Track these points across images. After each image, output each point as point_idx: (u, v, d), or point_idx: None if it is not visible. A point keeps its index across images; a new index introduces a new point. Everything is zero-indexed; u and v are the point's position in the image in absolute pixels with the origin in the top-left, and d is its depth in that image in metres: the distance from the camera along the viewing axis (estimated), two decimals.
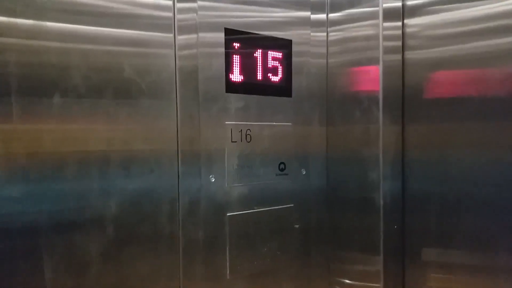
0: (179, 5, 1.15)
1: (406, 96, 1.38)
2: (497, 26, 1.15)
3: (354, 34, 1.41)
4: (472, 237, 1.23)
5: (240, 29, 1.27)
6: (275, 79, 1.36)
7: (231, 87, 1.26)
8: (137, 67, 1.09)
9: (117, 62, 1.07)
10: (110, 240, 1.06)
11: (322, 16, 1.47)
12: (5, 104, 0.92)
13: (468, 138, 1.23)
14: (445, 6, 1.27)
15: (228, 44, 1.24)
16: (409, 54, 1.37)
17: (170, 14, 1.14)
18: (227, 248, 1.27)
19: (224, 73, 1.24)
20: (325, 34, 1.47)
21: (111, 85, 1.06)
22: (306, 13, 1.43)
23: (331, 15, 1.47)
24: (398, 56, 1.37)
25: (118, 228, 1.07)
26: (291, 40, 1.38)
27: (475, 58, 1.21)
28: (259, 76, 1.32)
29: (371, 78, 1.35)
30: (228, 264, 1.27)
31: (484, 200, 1.20)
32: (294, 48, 1.39)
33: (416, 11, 1.35)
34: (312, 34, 1.44)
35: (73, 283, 1.01)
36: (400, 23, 1.37)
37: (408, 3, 1.36)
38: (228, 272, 1.27)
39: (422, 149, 1.35)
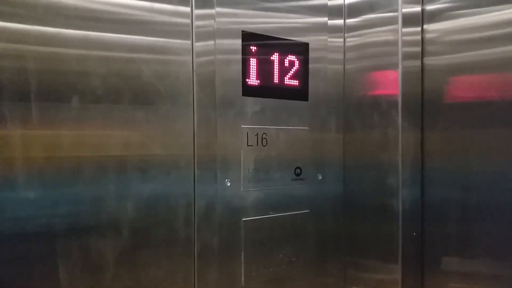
0: (197, 11, 1.16)
1: (426, 102, 1.37)
2: None
3: (372, 39, 1.41)
4: (494, 246, 1.21)
5: (257, 33, 1.28)
6: (291, 82, 1.35)
7: (248, 90, 1.26)
8: (156, 74, 1.10)
9: (136, 69, 1.08)
10: (126, 244, 1.06)
11: (339, 21, 1.47)
12: (24, 109, 0.93)
13: (489, 144, 1.22)
14: (465, 11, 1.27)
15: (245, 49, 1.25)
16: (428, 60, 1.37)
17: (188, 21, 1.15)
18: (242, 254, 1.26)
19: (241, 77, 1.25)
20: (342, 39, 1.47)
21: (130, 92, 1.07)
22: (323, 19, 1.43)
23: (348, 20, 1.47)
24: (418, 62, 1.37)
25: (134, 232, 1.08)
26: (308, 44, 1.38)
27: (496, 63, 1.20)
28: (276, 80, 1.32)
29: (390, 84, 1.35)
30: (243, 270, 1.26)
31: (507, 208, 1.18)
32: (311, 53, 1.39)
33: (435, 16, 1.35)
34: (329, 39, 1.44)
35: (88, 286, 1.02)
36: (419, 29, 1.37)
37: (428, 8, 1.36)
38: (243, 278, 1.26)
39: (442, 155, 1.34)
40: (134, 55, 1.07)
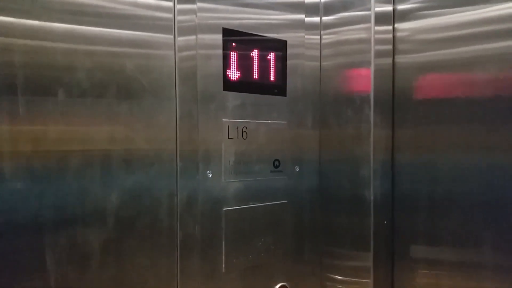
0: (179, 6, 1.17)
1: (396, 99, 1.40)
2: (484, 31, 1.18)
3: (346, 37, 1.43)
4: (459, 235, 1.26)
5: (237, 30, 1.29)
6: (270, 78, 1.38)
7: (228, 85, 1.28)
8: (139, 68, 1.10)
9: (119, 63, 1.08)
10: (111, 234, 1.07)
11: (316, 19, 1.49)
12: (9, 103, 0.93)
13: (455, 140, 1.26)
14: (434, 11, 1.30)
15: (225, 44, 1.27)
16: (399, 58, 1.39)
17: (171, 16, 1.16)
18: (223, 242, 1.28)
19: (222, 72, 1.26)
20: (318, 36, 1.49)
21: (114, 86, 1.07)
22: (301, 16, 1.45)
23: (325, 18, 1.49)
24: (389, 60, 1.39)
25: (119, 223, 1.08)
26: (286, 41, 1.40)
27: (463, 62, 1.23)
28: (255, 75, 1.34)
29: (363, 80, 1.38)
30: (223, 258, 1.28)
31: (471, 200, 1.22)
32: (289, 50, 1.41)
33: (406, 15, 1.37)
34: (306, 36, 1.46)
35: (71, 276, 1.02)
36: (391, 27, 1.40)
37: (399, 7, 1.39)
38: (223, 266, 1.28)
39: (411, 149, 1.38)
40: (118, 49, 1.08)
